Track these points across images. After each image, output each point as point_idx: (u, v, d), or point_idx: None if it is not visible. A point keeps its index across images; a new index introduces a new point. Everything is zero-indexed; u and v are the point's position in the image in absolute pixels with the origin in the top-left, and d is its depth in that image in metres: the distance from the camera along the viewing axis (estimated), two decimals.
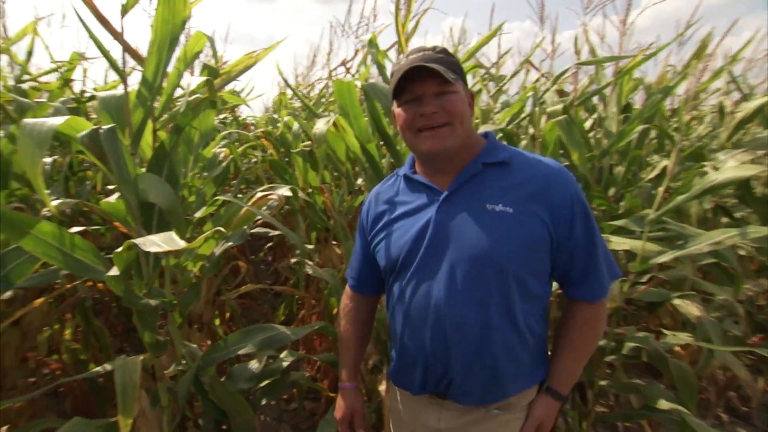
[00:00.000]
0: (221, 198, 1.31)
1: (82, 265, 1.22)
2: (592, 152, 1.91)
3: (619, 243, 1.66)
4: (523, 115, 2.27)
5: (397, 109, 0.99)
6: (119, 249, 0.81)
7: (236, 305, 2.77)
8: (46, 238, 1.18)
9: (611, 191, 2.32)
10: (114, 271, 0.82)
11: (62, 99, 2.03)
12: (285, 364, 1.69)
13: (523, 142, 2.65)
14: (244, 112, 4.33)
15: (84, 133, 0.96)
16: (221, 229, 1.07)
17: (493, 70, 2.79)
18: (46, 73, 2.12)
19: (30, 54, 1.88)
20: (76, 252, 1.22)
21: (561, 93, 2.46)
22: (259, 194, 1.58)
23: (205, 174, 2.11)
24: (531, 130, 2.16)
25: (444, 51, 0.98)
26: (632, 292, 1.70)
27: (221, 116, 2.94)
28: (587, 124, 2.62)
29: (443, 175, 0.99)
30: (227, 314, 2.98)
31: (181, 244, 0.69)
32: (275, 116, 3.85)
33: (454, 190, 0.96)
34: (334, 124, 2.07)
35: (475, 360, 0.93)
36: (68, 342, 2.13)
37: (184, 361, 1.45)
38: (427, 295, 0.95)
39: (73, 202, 1.46)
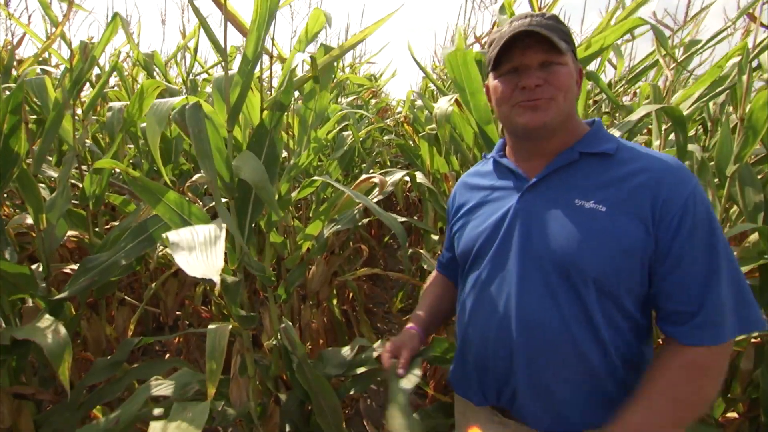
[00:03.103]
0: (319, 179, 1.27)
1: None
2: None
3: None
4: (719, 89, 1.64)
5: (493, 82, 0.88)
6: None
7: (357, 287, 2.84)
8: (172, 206, 1.33)
9: None
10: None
11: None
12: (375, 354, 1.60)
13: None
14: (395, 96, 4.39)
15: (176, 110, 1.01)
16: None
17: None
18: (212, 66, 2.47)
19: (195, 52, 2.21)
20: (193, 219, 1.34)
21: None
22: (363, 176, 1.50)
23: (330, 155, 2.16)
24: (732, 113, 1.54)
25: (554, 18, 0.86)
26: None
27: (349, 99, 3.01)
28: None
29: (534, 161, 0.88)
30: (350, 295, 3.10)
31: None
32: (417, 101, 3.79)
33: (541, 179, 0.85)
34: (458, 104, 1.85)
35: (540, 374, 0.82)
36: (216, 297, 2.51)
37: (279, 337, 1.50)
38: (498, 291, 0.86)
39: (208, 178, 1.63)
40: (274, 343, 1.49)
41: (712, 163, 1.62)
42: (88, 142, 2.00)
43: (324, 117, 1.66)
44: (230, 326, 1.25)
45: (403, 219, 2.51)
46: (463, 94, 1.44)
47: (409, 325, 1.11)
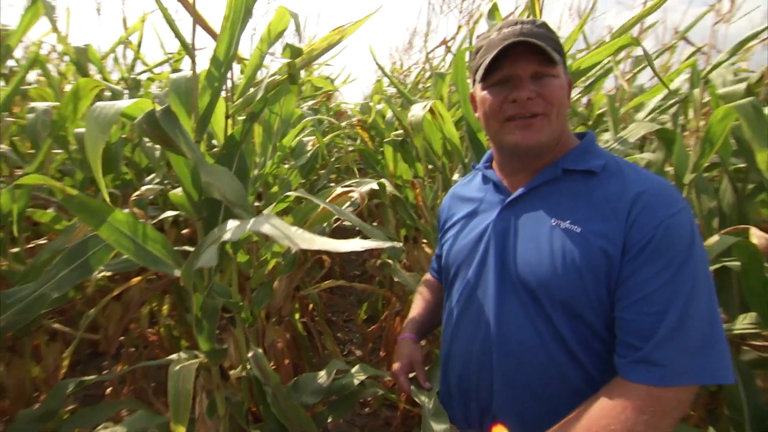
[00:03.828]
0: (293, 194, 1.15)
1: (151, 257, 1.16)
2: None
3: None
4: (671, 101, 1.75)
5: (481, 93, 0.83)
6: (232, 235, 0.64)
7: (318, 298, 2.72)
8: (120, 227, 1.14)
9: None
10: (206, 260, 0.67)
11: (167, 88, 2.09)
12: (355, 381, 1.50)
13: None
14: (342, 99, 4.29)
15: (140, 117, 0.85)
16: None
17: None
18: (159, 64, 2.22)
19: (138, 46, 1.95)
20: (148, 243, 1.17)
21: None
22: (340, 190, 1.40)
23: (292, 163, 2.02)
24: (689, 122, 1.64)
25: (545, 25, 0.82)
26: None
27: (309, 103, 2.88)
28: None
29: (519, 176, 0.85)
30: (309, 306, 2.96)
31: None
32: (369, 104, 3.72)
33: (520, 195, 0.82)
34: (431, 111, 1.81)
35: (520, 397, 0.78)
36: (164, 318, 2.26)
37: (249, 366, 1.35)
38: (479, 312, 0.83)
39: (158, 189, 1.44)
40: (244, 373, 1.34)
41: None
42: (3, 147, 1.70)
43: (289, 123, 1.53)
44: (197, 363, 1.10)
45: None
46: (461, 98, 1.40)
47: (406, 333, 1.09)
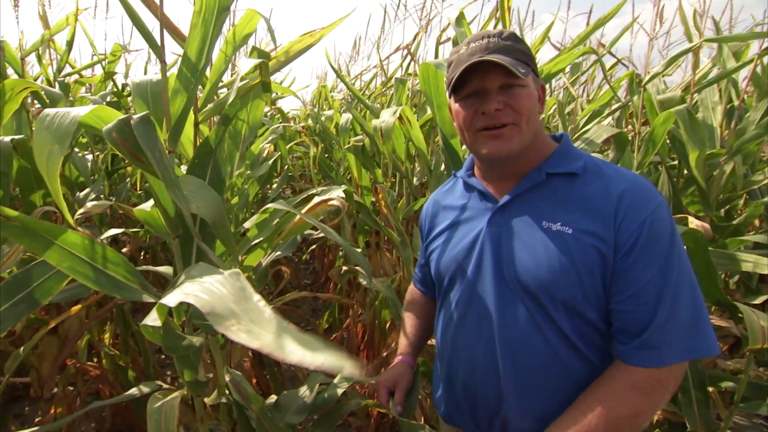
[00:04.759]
0: (272, 206, 1.09)
1: (113, 283, 1.03)
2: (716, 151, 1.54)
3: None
4: (609, 110, 1.92)
5: (454, 106, 0.87)
6: (167, 300, 0.51)
7: (276, 310, 2.61)
8: (73, 250, 1.00)
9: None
10: (154, 320, 0.59)
11: (102, 93, 1.88)
12: (340, 391, 1.45)
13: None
14: (283, 106, 4.16)
15: (110, 125, 0.75)
16: None
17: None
18: (90, 66, 1.98)
19: (70, 45, 1.72)
20: (108, 267, 1.03)
21: None
22: (317, 199, 1.35)
23: (248, 173, 1.92)
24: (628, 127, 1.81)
25: (512, 37, 0.84)
26: None
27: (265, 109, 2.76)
28: None
29: (502, 182, 0.88)
30: None
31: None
32: (317, 110, 3.65)
33: (509, 201, 0.84)
34: (399, 117, 1.82)
35: (531, 398, 0.81)
36: (107, 347, 2.02)
37: (227, 391, 1.25)
38: (480, 318, 0.85)
39: (107, 205, 1.28)
40: (223, 400, 1.24)
41: None
42: None
43: (257, 130, 1.45)
44: (178, 396, 0.99)
45: (321, 235, 2.38)
46: (431, 106, 1.42)
47: (399, 355, 1.12)
